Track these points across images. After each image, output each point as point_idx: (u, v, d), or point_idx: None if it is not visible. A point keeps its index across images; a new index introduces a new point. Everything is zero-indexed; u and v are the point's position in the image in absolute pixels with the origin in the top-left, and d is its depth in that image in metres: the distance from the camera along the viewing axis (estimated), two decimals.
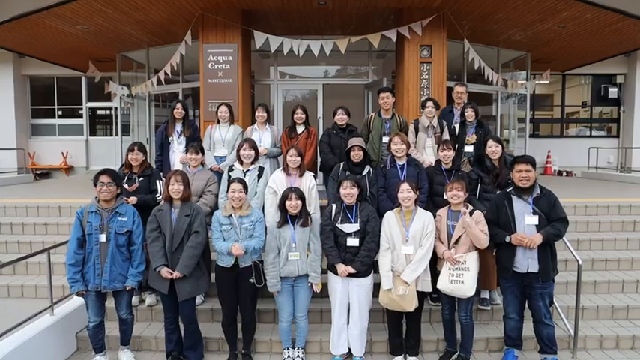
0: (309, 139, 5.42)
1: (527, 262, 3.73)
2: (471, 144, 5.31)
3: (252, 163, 4.72)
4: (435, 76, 7.54)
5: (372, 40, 7.35)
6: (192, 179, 4.62)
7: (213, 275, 4.11)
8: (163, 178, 4.42)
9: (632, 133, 12.61)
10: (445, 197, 3.98)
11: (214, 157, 5.52)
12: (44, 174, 12.71)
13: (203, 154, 4.90)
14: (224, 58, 7.45)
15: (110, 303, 4.08)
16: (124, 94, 10.09)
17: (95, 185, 3.80)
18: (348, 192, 3.92)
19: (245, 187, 3.98)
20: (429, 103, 5.45)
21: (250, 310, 4.01)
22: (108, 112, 13.04)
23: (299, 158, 4.50)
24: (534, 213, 3.74)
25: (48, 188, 9.34)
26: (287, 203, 3.88)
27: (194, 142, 5.02)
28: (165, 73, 7.73)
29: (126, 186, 4.39)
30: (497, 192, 4.42)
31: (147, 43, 9.50)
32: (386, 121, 5.44)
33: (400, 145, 4.53)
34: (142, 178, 4.54)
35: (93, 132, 13.17)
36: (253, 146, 4.73)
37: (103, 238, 3.74)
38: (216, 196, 4.71)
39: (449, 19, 7.51)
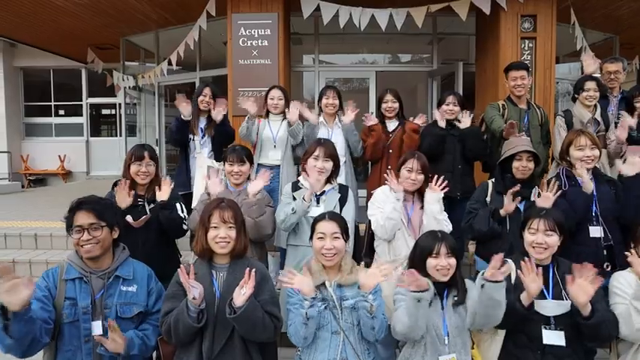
0: (405, 134, 3.60)
1: None
2: None
3: (329, 180, 2.85)
4: (541, 57, 5.62)
5: (459, 9, 5.49)
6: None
7: None
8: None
9: None
10: None
11: (261, 165, 3.73)
12: (39, 180, 11.00)
13: (251, 163, 3.02)
14: (260, 31, 5.57)
15: None
16: (128, 87, 8.41)
17: (68, 230, 1.99)
18: (541, 239, 2.09)
19: (343, 229, 2.16)
20: (590, 85, 3.61)
21: None
22: (112, 111, 11.41)
23: (422, 176, 2.66)
24: None
25: (34, 201, 7.57)
26: (432, 262, 2.05)
27: (236, 146, 3.09)
28: (179, 57, 6.03)
29: (129, 219, 2.59)
30: None
31: (155, 23, 7.66)
32: (523, 112, 3.61)
33: (591, 151, 2.69)
34: (152, 205, 2.73)
35: (95, 132, 11.54)
36: (331, 154, 2.85)
37: (97, 329, 1.93)
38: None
39: None
